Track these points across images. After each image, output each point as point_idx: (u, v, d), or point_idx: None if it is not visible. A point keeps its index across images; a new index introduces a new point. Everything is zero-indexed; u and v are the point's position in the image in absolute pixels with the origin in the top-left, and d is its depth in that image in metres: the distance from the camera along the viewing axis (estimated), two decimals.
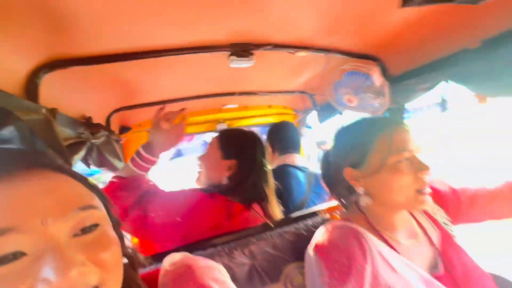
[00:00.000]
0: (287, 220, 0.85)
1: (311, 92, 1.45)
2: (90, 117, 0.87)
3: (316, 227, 0.67)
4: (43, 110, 0.59)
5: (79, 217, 0.28)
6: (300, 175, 1.14)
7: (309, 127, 1.72)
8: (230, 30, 0.74)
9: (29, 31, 0.51)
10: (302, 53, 0.89)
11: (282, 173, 1.11)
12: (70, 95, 0.76)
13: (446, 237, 0.65)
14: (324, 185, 0.78)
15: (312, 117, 1.59)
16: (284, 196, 0.98)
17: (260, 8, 0.64)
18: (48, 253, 0.24)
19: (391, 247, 0.59)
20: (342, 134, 0.71)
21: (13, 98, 0.52)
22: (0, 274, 0.22)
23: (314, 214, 0.86)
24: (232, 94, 1.30)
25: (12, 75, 0.55)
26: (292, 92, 1.44)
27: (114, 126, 1.17)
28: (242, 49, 0.81)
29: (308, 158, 1.81)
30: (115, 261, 0.30)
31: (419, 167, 0.56)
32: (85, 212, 0.28)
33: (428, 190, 0.57)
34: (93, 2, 0.49)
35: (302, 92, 1.45)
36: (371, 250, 0.56)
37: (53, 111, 0.62)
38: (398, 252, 0.58)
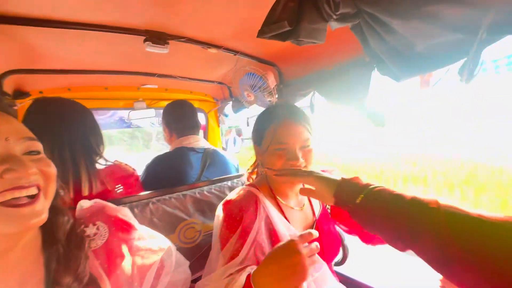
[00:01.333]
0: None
1: (228, 85, 1.63)
2: None
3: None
4: None
5: (28, 143, 0.41)
6: (195, 157, 1.15)
7: (226, 116, 1.92)
8: (146, 17, 0.83)
9: None
10: (213, 50, 1.05)
11: (177, 156, 1.13)
12: None
13: (325, 212, 0.88)
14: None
15: (229, 106, 1.78)
16: (177, 179, 1.06)
17: (173, 3, 0.75)
18: (12, 157, 0.37)
19: (281, 210, 0.78)
20: (256, 118, 0.87)
21: None
22: None
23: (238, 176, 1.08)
24: (152, 75, 1.35)
25: None
26: (212, 81, 1.59)
27: (8, 89, 1.07)
28: (157, 37, 0.91)
29: (225, 143, 2.01)
30: (53, 178, 0.42)
31: (290, 157, 0.71)
32: (31, 141, 0.41)
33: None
34: None
35: (221, 83, 1.61)
36: (262, 212, 0.73)
37: None
38: (283, 214, 0.77)
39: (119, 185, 0.88)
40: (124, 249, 0.53)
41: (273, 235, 0.73)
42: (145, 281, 0.54)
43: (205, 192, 1.00)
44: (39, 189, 0.39)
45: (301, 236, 0.55)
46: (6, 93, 1.02)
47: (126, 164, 0.93)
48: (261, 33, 0.61)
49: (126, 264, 0.52)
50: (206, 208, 0.98)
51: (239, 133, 2.17)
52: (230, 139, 2.12)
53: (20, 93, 1.15)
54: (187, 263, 0.67)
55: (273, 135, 0.73)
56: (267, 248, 0.72)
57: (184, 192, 0.96)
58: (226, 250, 0.67)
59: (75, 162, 0.77)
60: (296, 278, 0.50)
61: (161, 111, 1.32)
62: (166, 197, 0.90)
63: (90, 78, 1.28)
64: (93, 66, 1.19)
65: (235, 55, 1.11)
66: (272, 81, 1.14)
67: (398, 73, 0.80)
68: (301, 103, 1.30)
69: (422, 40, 0.67)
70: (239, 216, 0.70)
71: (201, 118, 1.71)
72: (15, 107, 1.13)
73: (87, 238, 0.49)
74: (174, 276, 0.61)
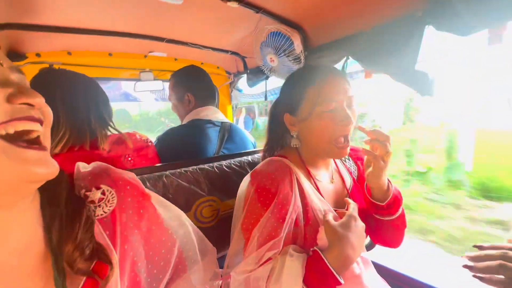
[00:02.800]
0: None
1: (243, 55, 1.49)
2: None
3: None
4: None
5: (19, 74, 0.33)
6: (213, 131, 1.04)
7: (240, 90, 1.78)
8: None
9: None
10: (234, 4, 0.91)
11: (194, 129, 1.03)
12: None
13: (356, 186, 0.80)
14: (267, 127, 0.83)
15: (243, 80, 1.65)
16: (193, 153, 0.97)
17: None
18: (12, 82, 0.30)
19: (314, 182, 0.70)
20: (285, 84, 0.77)
21: None
22: None
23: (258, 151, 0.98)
24: (160, 39, 1.21)
25: None
26: (226, 51, 1.45)
27: (2, 48, 0.95)
28: None
29: (236, 120, 1.89)
30: (51, 120, 0.34)
31: (342, 118, 0.62)
32: (20, 73, 0.33)
33: (346, 142, 0.65)
34: None
35: (235, 53, 1.47)
36: (296, 183, 0.65)
37: None
38: (317, 187, 0.70)
39: (129, 156, 0.78)
40: (137, 219, 0.44)
41: (307, 211, 0.65)
42: (161, 268, 0.46)
43: (224, 167, 0.89)
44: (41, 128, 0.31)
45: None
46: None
47: (141, 135, 0.84)
48: None
49: (139, 240, 0.44)
50: (224, 184, 0.87)
51: (250, 112, 2.04)
52: (241, 119, 2.01)
53: (15, 54, 1.03)
54: (214, 251, 0.58)
55: (318, 95, 0.63)
56: (301, 224, 0.63)
57: (201, 166, 0.85)
58: (259, 228, 0.58)
59: (93, 132, 0.73)
60: (363, 242, 0.59)
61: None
62: (182, 170, 0.80)
63: (92, 40, 1.14)
64: (96, 25, 1.05)
65: (257, 12, 0.97)
66: (298, 44, 1.00)
67: (463, 26, 0.66)
68: None
69: None
70: (274, 188, 0.61)
71: None
72: None
73: (91, 204, 0.40)
74: (196, 274, 0.53)
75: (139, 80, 1.46)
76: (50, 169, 0.31)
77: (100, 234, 0.39)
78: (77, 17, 0.97)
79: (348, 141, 0.66)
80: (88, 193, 0.40)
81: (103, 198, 0.41)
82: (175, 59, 1.49)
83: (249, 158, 0.98)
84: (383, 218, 0.69)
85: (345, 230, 0.56)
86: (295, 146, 0.72)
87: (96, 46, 1.23)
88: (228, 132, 1.06)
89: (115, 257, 0.38)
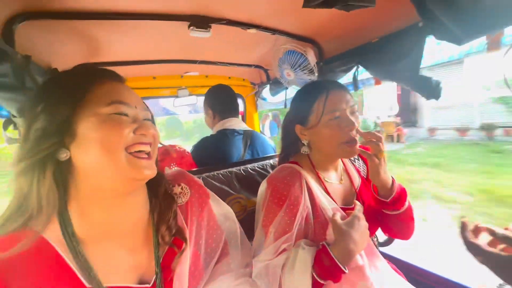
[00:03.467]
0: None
1: (266, 67, 1.64)
2: (56, 68, 0.95)
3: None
4: (18, 56, 0.68)
5: (147, 112, 0.53)
6: (238, 139, 1.21)
7: (265, 99, 1.93)
8: (189, 2, 0.87)
9: None
10: (252, 31, 1.06)
11: (222, 137, 1.21)
12: (40, 46, 0.84)
13: (364, 184, 0.88)
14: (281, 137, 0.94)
15: (266, 90, 1.79)
16: (222, 158, 1.15)
17: None
18: (139, 120, 0.49)
19: (323, 184, 0.81)
20: (294, 99, 0.89)
21: None
22: (115, 119, 0.46)
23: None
24: (193, 62, 1.42)
25: None
26: (249, 65, 1.61)
27: None
28: (200, 21, 0.95)
29: (262, 126, 2.04)
30: (158, 141, 0.53)
31: (346, 124, 0.73)
32: (147, 111, 0.53)
33: (354, 142, 0.74)
34: None
35: (258, 66, 1.62)
36: (305, 186, 0.76)
37: (27, 58, 0.71)
38: (326, 188, 0.80)
39: (174, 163, 0.98)
40: (201, 210, 0.63)
41: (316, 210, 0.75)
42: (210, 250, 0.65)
43: (249, 170, 1.04)
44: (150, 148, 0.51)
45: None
46: None
47: (179, 146, 1.03)
48: (307, 2, 0.60)
49: (200, 225, 0.62)
50: (250, 184, 1.03)
51: (275, 117, 2.18)
52: (267, 124, 2.15)
53: None
54: (249, 245, 0.74)
55: (324, 105, 0.75)
56: (311, 221, 0.74)
57: (230, 169, 1.02)
58: (275, 225, 0.71)
59: None
60: (366, 239, 0.68)
61: (202, 97, 1.39)
62: (215, 173, 0.97)
63: (141, 68, 1.40)
64: (142, 57, 1.30)
65: (273, 34, 1.11)
66: (312, 58, 1.12)
67: (460, 35, 0.72)
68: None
69: None
70: (286, 191, 0.73)
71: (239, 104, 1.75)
72: None
73: (174, 196, 0.59)
74: (236, 259, 0.69)
75: (177, 96, 1.70)
76: (152, 172, 0.49)
77: (179, 216, 0.58)
78: (130, 53, 1.22)
79: (356, 141, 0.75)
80: (173, 188, 0.60)
81: (181, 192, 0.61)
82: (206, 76, 1.71)
83: (271, 161, 1.12)
84: (390, 212, 0.77)
85: (348, 228, 0.65)
86: (305, 152, 0.83)
87: (144, 72, 1.49)
88: (250, 139, 1.23)
89: (188, 236, 0.57)
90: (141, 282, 0.50)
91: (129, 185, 0.48)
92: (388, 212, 0.77)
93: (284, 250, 0.70)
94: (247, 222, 1.02)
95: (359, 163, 0.94)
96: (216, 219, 0.67)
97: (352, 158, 0.94)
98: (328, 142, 0.77)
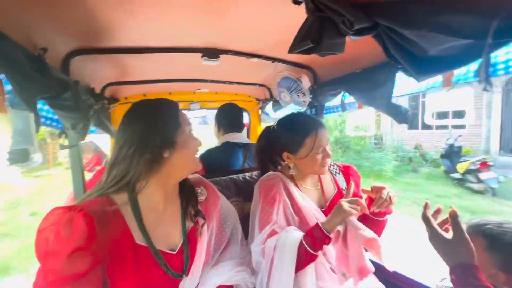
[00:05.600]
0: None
1: (269, 86, 1.83)
2: (93, 88, 1.17)
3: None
4: (73, 83, 0.90)
5: None
6: (238, 150, 1.42)
7: (268, 114, 2.12)
8: (203, 39, 1.08)
9: (72, 25, 0.80)
10: (255, 60, 1.26)
11: (225, 148, 1.41)
12: (85, 72, 1.06)
13: (340, 194, 1.07)
14: (257, 154, 1.14)
15: (269, 106, 1.98)
16: (225, 166, 1.35)
17: (223, 25, 0.97)
18: None
19: (299, 189, 1.01)
20: (286, 129, 1.04)
21: (59, 72, 0.83)
22: (192, 135, 0.76)
23: None
24: (205, 81, 1.63)
25: (56, 55, 0.85)
26: (254, 84, 1.81)
27: (106, 96, 1.45)
28: (211, 53, 1.15)
29: None
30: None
31: (325, 155, 0.96)
32: None
33: (327, 164, 0.98)
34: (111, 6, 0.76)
35: (262, 85, 1.82)
36: (285, 189, 0.98)
37: (76, 82, 0.93)
38: (302, 192, 1.01)
39: None
40: (214, 208, 0.84)
41: (294, 205, 0.96)
42: (217, 239, 0.84)
43: (247, 177, 1.22)
44: None
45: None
46: (106, 98, 1.40)
47: None
48: (291, 50, 0.79)
49: (213, 219, 0.82)
50: (247, 190, 1.19)
51: None
52: None
53: (113, 99, 1.54)
54: (245, 241, 0.93)
55: (314, 143, 0.95)
56: (292, 213, 0.94)
57: (231, 176, 1.19)
58: (261, 219, 0.89)
59: None
60: (341, 214, 0.82)
61: (211, 110, 1.60)
62: (217, 178, 1.15)
63: (158, 86, 1.62)
64: (162, 77, 1.52)
65: (273, 62, 1.30)
66: (306, 82, 1.30)
67: (417, 74, 0.88)
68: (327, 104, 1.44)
69: (434, 45, 0.75)
70: (273, 192, 0.93)
71: (245, 117, 1.94)
72: (109, 110, 1.52)
73: (196, 193, 0.81)
74: (236, 250, 0.88)
75: (189, 109, 1.91)
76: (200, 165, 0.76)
77: (200, 206, 0.78)
78: (150, 73, 1.44)
79: (326, 164, 0.99)
80: (195, 188, 0.82)
81: (200, 192, 0.81)
82: (216, 93, 1.92)
83: None
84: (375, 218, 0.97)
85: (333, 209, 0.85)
86: (292, 173, 1.02)
87: (161, 89, 1.71)
88: (249, 151, 1.42)
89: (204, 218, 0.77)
90: (169, 249, 0.69)
91: (189, 173, 0.76)
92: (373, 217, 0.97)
93: (271, 234, 0.87)
94: (244, 222, 1.19)
95: (340, 177, 1.11)
96: (222, 220, 0.87)
97: (334, 172, 1.12)
98: (311, 167, 0.99)
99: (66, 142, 0.92)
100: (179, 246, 0.71)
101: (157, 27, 0.92)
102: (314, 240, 0.81)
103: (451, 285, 0.76)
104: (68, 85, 0.82)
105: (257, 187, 1.01)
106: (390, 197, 0.89)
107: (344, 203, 0.82)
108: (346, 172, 1.13)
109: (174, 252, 0.69)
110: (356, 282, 0.83)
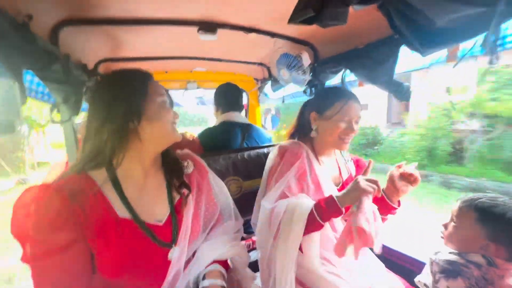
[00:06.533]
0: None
1: (267, 65, 1.78)
2: (86, 64, 1.12)
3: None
4: (63, 55, 0.86)
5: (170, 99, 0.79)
6: (237, 130, 1.41)
7: (266, 95, 2.08)
8: (199, 11, 1.02)
9: None
10: (253, 35, 1.21)
11: (223, 128, 1.40)
12: (75, 46, 1.01)
13: (351, 178, 1.09)
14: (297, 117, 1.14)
15: (268, 86, 1.93)
16: (223, 146, 1.34)
17: None
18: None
19: (318, 162, 1.02)
20: (321, 92, 1.11)
21: (47, 43, 0.79)
22: (165, 105, 0.71)
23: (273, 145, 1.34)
24: (202, 58, 1.58)
25: (44, 25, 0.80)
26: (253, 63, 1.75)
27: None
28: (208, 26, 1.10)
29: (264, 119, 2.20)
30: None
31: (349, 129, 0.95)
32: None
33: (347, 141, 0.97)
34: None
35: (261, 64, 1.77)
36: (307, 159, 0.99)
37: (66, 56, 0.89)
38: (320, 165, 1.02)
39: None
40: (201, 180, 0.83)
41: (312, 174, 0.98)
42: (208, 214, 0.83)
43: (245, 157, 1.21)
44: None
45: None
46: (100, 74, 1.36)
47: (191, 134, 1.21)
48: (291, 20, 0.75)
49: (201, 193, 0.81)
50: (245, 169, 1.19)
51: (277, 112, 2.32)
52: (269, 118, 2.30)
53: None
54: (241, 219, 0.93)
55: (340, 109, 0.95)
56: (308, 179, 0.96)
57: (230, 155, 1.19)
58: (276, 177, 0.94)
59: None
60: (357, 191, 0.79)
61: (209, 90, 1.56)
62: (216, 157, 1.14)
63: (154, 64, 1.57)
64: (157, 54, 1.46)
65: (272, 37, 1.25)
66: (306, 59, 1.25)
67: (422, 48, 0.85)
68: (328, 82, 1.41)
69: (442, 15, 0.72)
70: (295, 156, 0.96)
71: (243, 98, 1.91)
72: None
73: (181, 165, 0.79)
74: (229, 225, 0.88)
75: (186, 89, 1.87)
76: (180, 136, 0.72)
77: (186, 178, 0.79)
78: (147, 51, 1.39)
79: (348, 142, 0.98)
80: (182, 161, 0.80)
81: (186, 165, 0.80)
82: (213, 72, 1.86)
83: (265, 150, 1.28)
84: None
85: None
86: (313, 136, 1.02)
87: (157, 67, 1.66)
88: (247, 131, 1.41)
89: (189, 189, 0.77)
90: (155, 221, 0.69)
91: (167, 145, 0.72)
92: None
93: (281, 196, 0.89)
94: (243, 200, 1.20)
95: (351, 164, 1.14)
96: (213, 194, 0.86)
97: (345, 160, 1.13)
98: (330, 134, 0.98)
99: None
100: (166, 217, 0.71)
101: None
102: (325, 210, 0.80)
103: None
104: (56, 57, 0.79)
105: (277, 150, 1.02)
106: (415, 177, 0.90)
107: (362, 180, 0.79)
108: (357, 164, 1.15)
109: (161, 224, 0.69)
110: (357, 249, 0.79)
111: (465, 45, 0.84)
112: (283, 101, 1.68)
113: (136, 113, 0.64)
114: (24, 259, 0.54)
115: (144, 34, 1.17)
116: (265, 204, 0.89)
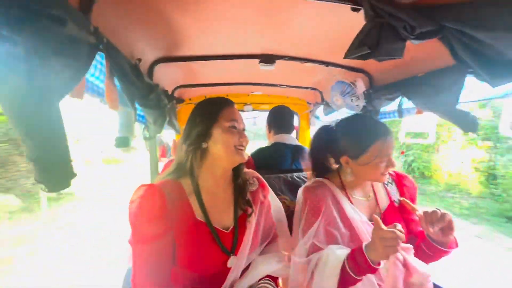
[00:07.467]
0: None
1: (320, 90, 1.84)
2: (167, 90, 1.38)
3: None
4: (155, 86, 1.08)
5: (244, 125, 0.86)
6: (287, 151, 1.44)
7: (318, 118, 2.12)
8: (260, 46, 1.17)
9: (154, 36, 0.98)
10: (309, 65, 1.30)
11: (275, 149, 1.46)
12: (161, 77, 1.26)
13: (392, 208, 0.96)
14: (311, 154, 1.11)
15: (320, 109, 1.98)
16: (274, 165, 1.40)
17: (279, 32, 1.04)
18: (240, 130, 0.84)
19: (349, 199, 0.93)
20: (350, 132, 0.93)
21: (147, 78, 1.02)
22: (232, 130, 0.79)
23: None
24: (259, 84, 1.74)
25: (145, 64, 1.05)
26: (306, 87, 1.84)
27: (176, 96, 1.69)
28: (268, 58, 1.24)
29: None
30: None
31: (389, 164, 0.86)
32: (244, 124, 0.87)
33: (387, 174, 0.89)
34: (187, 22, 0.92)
35: (314, 88, 1.84)
36: (334, 200, 0.91)
37: (157, 86, 1.12)
38: (352, 202, 0.93)
39: None
40: (264, 198, 0.92)
41: (343, 218, 0.90)
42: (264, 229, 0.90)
43: (295, 177, 1.26)
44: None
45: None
46: (175, 98, 1.62)
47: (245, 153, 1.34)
48: (347, 55, 0.81)
49: (262, 208, 0.90)
50: (294, 189, 1.24)
51: None
52: None
53: (180, 100, 1.77)
54: (289, 235, 0.99)
55: (380, 151, 0.85)
56: (340, 225, 0.89)
57: (279, 175, 1.26)
58: (304, 228, 0.90)
59: None
60: (386, 251, 0.70)
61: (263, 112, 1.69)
62: (266, 176, 1.22)
63: (218, 89, 1.80)
64: (221, 81, 1.68)
65: (327, 66, 1.32)
66: (361, 87, 1.28)
67: (492, 80, 0.81)
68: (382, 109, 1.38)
69: (510, 48, 0.68)
70: (319, 202, 0.90)
71: (295, 119, 1.99)
72: (176, 109, 1.75)
73: (248, 183, 0.89)
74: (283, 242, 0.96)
75: (242, 111, 2.05)
76: (244, 158, 0.80)
77: (251, 195, 0.87)
78: (212, 78, 1.61)
79: (387, 174, 0.89)
80: (248, 179, 0.90)
81: (252, 183, 0.90)
82: (268, 95, 2.01)
83: None
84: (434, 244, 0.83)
85: (374, 237, 0.72)
86: (345, 178, 0.95)
87: (220, 91, 1.89)
88: (298, 152, 1.45)
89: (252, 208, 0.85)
90: (222, 228, 0.79)
91: (232, 164, 0.81)
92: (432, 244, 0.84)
93: (314, 248, 0.86)
94: (290, 220, 1.24)
95: (392, 187, 1.01)
96: (270, 212, 0.95)
97: (386, 182, 1.00)
98: (370, 175, 0.90)
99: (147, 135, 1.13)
100: (231, 227, 0.80)
101: (221, 38, 1.06)
102: (357, 266, 0.75)
103: None
104: (152, 87, 1.01)
105: (302, 193, 0.97)
106: (447, 219, 0.76)
107: (379, 239, 0.70)
108: (399, 182, 1.01)
109: (227, 231, 0.79)
110: None
111: None
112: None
113: (206, 135, 0.77)
114: (130, 241, 0.70)
115: (212, 65, 1.38)
116: (295, 259, 0.88)
